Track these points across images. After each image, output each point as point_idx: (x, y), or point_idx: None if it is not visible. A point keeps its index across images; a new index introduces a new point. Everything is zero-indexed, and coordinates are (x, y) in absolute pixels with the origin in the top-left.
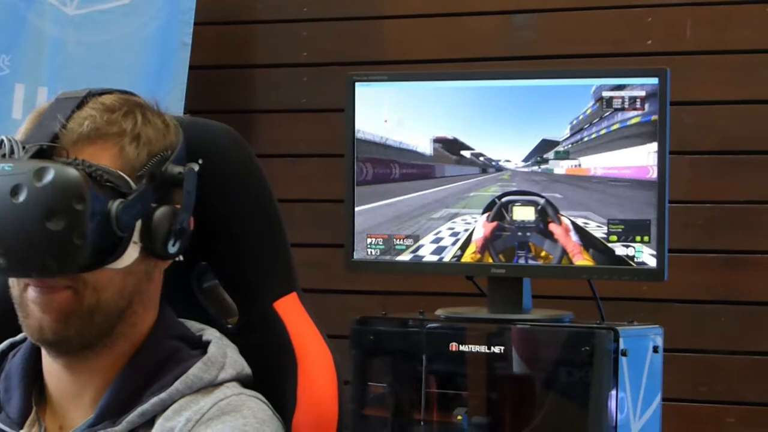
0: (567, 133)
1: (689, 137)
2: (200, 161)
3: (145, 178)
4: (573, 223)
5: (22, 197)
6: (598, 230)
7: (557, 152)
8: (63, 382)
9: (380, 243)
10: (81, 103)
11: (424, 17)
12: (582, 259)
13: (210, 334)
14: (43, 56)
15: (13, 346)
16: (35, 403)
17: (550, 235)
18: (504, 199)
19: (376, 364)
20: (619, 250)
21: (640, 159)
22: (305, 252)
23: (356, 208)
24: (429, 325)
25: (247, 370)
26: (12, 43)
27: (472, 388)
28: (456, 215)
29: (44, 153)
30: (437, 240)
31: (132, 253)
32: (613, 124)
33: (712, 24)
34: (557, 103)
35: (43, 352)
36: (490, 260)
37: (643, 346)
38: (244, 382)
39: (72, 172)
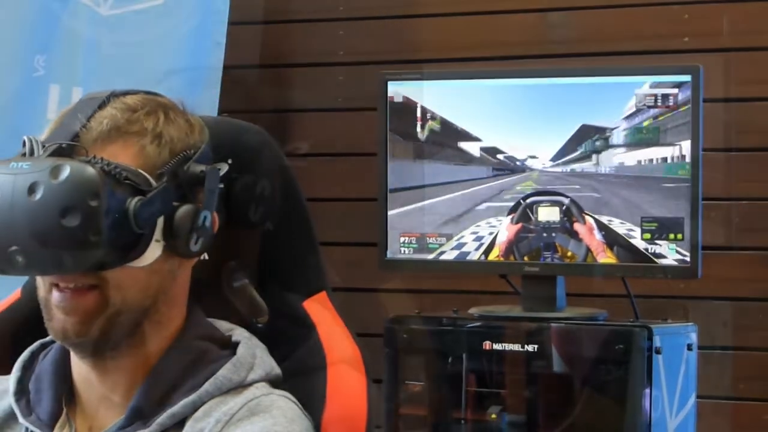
0: (604, 130)
1: (726, 134)
2: (230, 161)
3: (166, 177)
4: (597, 221)
5: (38, 195)
6: (621, 227)
7: (592, 150)
8: (92, 383)
9: (413, 242)
10: (103, 103)
11: (460, 15)
12: (605, 257)
13: (239, 334)
14: (78, 57)
15: (44, 346)
16: (65, 405)
17: (575, 235)
18: (529, 200)
19: (411, 362)
20: (644, 246)
21: (674, 156)
22: (342, 251)
23: (389, 212)
24: (468, 325)
25: (276, 370)
26: (47, 44)
27: (508, 387)
28: (485, 216)
29: (63, 152)
30: (478, 238)
31: (154, 251)
32: (645, 120)
33: (749, 20)
34: (592, 101)
35: (72, 353)
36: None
37: (677, 344)
38: (274, 382)
39: (87, 169)
